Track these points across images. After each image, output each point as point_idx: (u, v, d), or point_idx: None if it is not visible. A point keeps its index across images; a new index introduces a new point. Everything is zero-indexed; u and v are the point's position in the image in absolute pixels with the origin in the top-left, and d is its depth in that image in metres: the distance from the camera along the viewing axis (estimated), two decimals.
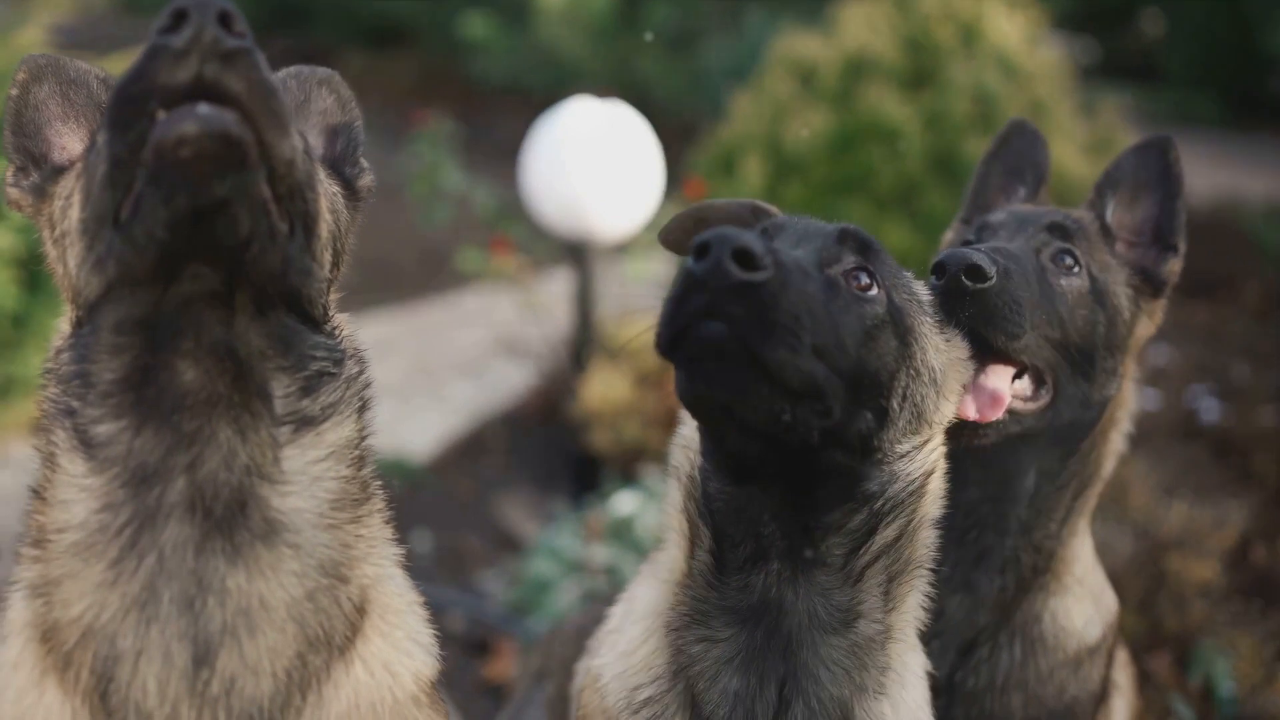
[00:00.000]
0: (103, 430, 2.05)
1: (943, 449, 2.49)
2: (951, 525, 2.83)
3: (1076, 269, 2.83)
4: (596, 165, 6.14)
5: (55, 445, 2.10)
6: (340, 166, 2.51)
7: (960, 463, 2.79)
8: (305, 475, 2.12)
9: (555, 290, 7.86)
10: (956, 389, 2.49)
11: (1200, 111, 19.09)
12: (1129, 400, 3.01)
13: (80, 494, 2.07)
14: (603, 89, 9.89)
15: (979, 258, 2.54)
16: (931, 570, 2.50)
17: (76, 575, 2.06)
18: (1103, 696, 3.04)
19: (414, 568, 5.87)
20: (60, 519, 2.08)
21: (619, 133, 6.26)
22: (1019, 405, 2.73)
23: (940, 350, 2.43)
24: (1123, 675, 3.21)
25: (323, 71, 2.60)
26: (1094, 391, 2.82)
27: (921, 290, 2.46)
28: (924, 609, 2.51)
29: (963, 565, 2.88)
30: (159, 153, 1.81)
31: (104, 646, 2.04)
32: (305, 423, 2.12)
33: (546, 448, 7.03)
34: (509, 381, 7.83)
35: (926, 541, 2.46)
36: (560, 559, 5.50)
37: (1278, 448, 6.39)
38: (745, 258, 2.00)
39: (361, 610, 2.21)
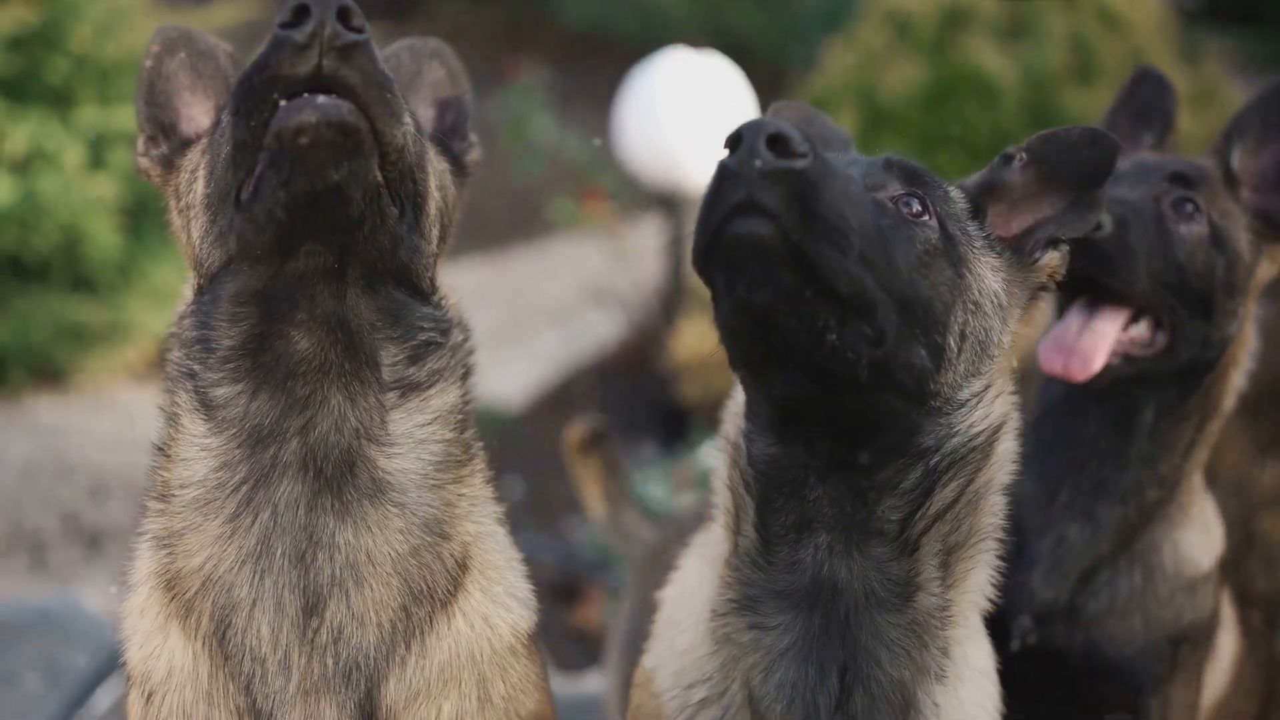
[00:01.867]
0: (221, 393, 2.17)
1: (1012, 400, 2.28)
2: (1070, 455, 2.90)
3: (1197, 215, 2.82)
4: (690, 116, 6.16)
5: (178, 405, 2.23)
6: (449, 139, 2.58)
7: (1077, 396, 2.87)
8: (411, 438, 2.22)
9: (645, 238, 7.88)
10: (1020, 311, 2.29)
11: None
12: (1250, 340, 3.02)
13: (200, 452, 2.19)
14: (695, 39, 9.85)
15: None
16: (1000, 542, 2.31)
17: (197, 528, 2.19)
18: (1213, 626, 3.08)
19: (506, 514, 6.01)
20: (183, 475, 2.21)
21: (713, 83, 6.26)
22: (1135, 351, 2.79)
23: (997, 270, 2.22)
24: (1228, 612, 3.23)
25: (434, 44, 2.65)
26: (1214, 332, 2.85)
27: (970, 221, 2.23)
28: (992, 587, 2.32)
29: (1082, 494, 2.92)
30: (279, 139, 1.93)
31: (222, 595, 2.17)
32: (411, 388, 2.22)
33: (635, 397, 7.09)
34: (598, 331, 7.89)
35: (992, 509, 2.26)
36: (649, 507, 5.58)
37: None
38: (782, 143, 1.84)
39: (463, 566, 2.29)
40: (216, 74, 2.49)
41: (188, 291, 2.30)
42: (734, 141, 1.88)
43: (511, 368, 7.61)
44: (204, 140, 2.30)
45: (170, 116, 2.47)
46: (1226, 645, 3.19)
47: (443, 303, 2.32)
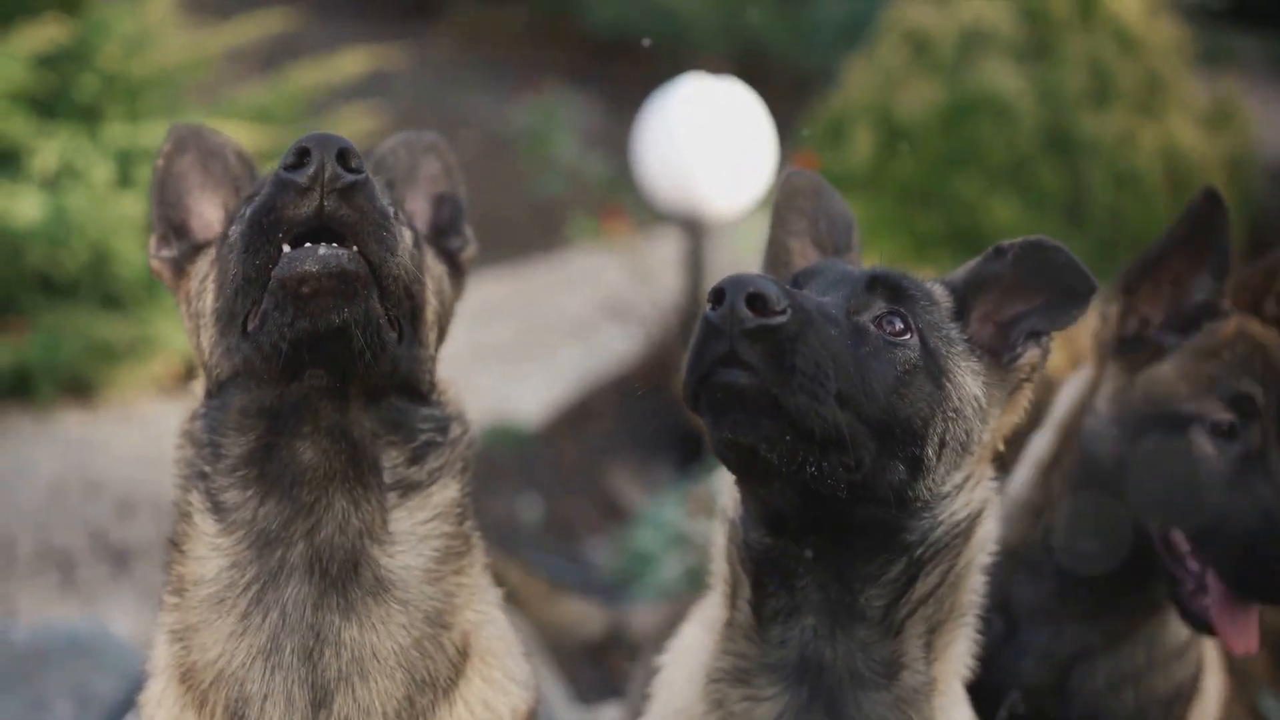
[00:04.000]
0: (230, 497, 2.31)
1: (992, 487, 2.43)
2: (1088, 579, 2.97)
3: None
4: (709, 144, 6.22)
5: (191, 504, 2.37)
6: (445, 236, 2.72)
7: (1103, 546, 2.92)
8: (413, 535, 2.36)
9: (664, 253, 7.94)
10: (1000, 409, 2.41)
11: None
12: None
13: (212, 551, 2.33)
14: (715, 45, 9.89)
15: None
16: (979, 617, 2.46)
17: (211, 625, 2.32)
18: (1199, 676, 3.17)
19: (523, 534, 6.10)
20: (196, 572, 2.35)
21: (732, 111, 6.33)
22: None
23: (977, 374, 2.34)
24: (1212, 655, 3.30)
25: (429, 137, 2.78)
26: None
27: (951, 326, 2.35)
28: (972, 657, 2.48)
29: (1091, 605, 2.99)
30: (283, 286, 2.07)
31: (235, 689, 2.30)
32: (412, 488, 2.37)
33: (654, 415, 7.16)
34: (616, 347, 7.96)
35: (973, 588, 2.41)
36: (664, 531, 5.66)
37: None
38: (760, 302, 1.99)
39: (464, 653, 2.43)
40: (225, 173, 2.61)
41: (199, 390, 2.42)
42: (717, 296, 2.02)
43: (530, 383, 7.68)
44: (213, 250, 2.42)
45: (181, 215, 2.59)
46: (1212, 687, 3.25)
47: (442, 398, 2.47)
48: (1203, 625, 2.84)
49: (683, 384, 2.13)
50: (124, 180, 6.74)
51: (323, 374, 2.19)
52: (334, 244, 2.08)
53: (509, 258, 9.68)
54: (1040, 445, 3.14)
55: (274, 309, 2.09)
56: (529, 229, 10.15)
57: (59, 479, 6.15)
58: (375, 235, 2.12)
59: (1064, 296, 2.37)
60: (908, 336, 2.23)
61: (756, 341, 1.99)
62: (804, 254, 2.72)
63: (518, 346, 8.24)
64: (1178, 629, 3.03)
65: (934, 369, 2.24)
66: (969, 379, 2.32)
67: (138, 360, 6.84)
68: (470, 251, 2.73)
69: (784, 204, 2.73)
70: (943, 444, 2.24)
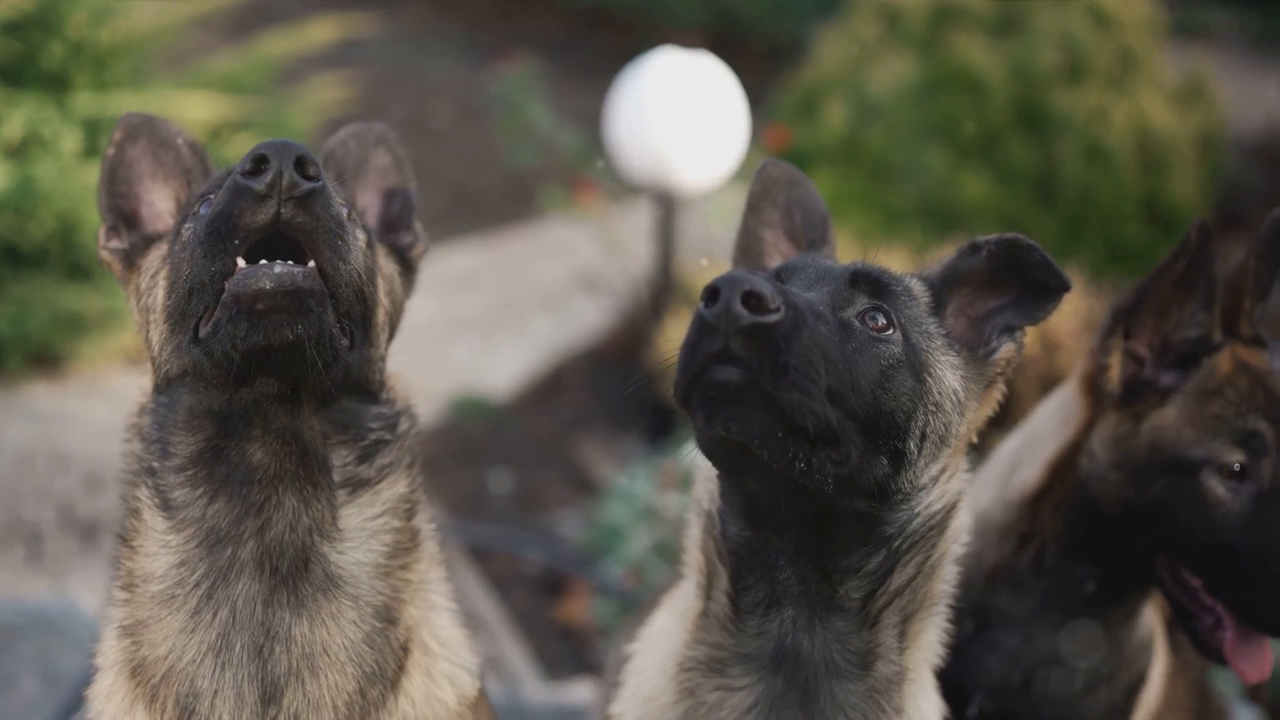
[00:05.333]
0: (179, 495, 2.31)
1: (966, 478, 2.45)
2: (1067, 600, 2.98)
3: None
4: (682, 118, 6.22)
5: (139, 500, 2.36)
6: (395, 231, 2.69)
7: (1076, 554, 2.94)
8: (363, 531, 2.36)
9: (636, 224, 7.93)
10: (977, 403, 2.43)
11: None
12: None
13: (161, 549, 2.33)
14: (689, 35, 9.86)
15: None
16: (951, 607, 2.49)
17: (161, 621, 2.32)
18: (1153, 659, 3.21)
19: (494, 508, 6.11)
20: (146, 568, 2.34)
21: (704, 85, 6.32)
22: None
23: (956, 368, 2.36)
24: (1157, 632, 3.31)
25: (379, 130, 2.75)
26: None
27: (930, 321, 2.37)
28: (942, 645, 2.51)
29: (1065, 616, 2.99)
30: (237, 300, 2.05)
31: (185, 685, 2.30)
32: (362, 485, 2.36)
33: (625, 387, 7.17)
34: (589, 318, 7.96)
35: (946, 578, 2.44)
36: (634, 505, 5.68)
37: None
38: (755, 300, 1.98)
39: (406, 648, 2.43)
40: (177, 163, 2.58)
41: (147, 384, 2.40)
42: (712, 294, 2.01)
43: (503, 354, 7.69)
44: (164, 245, 2.40)
45: (131, 204, 2.56)
46: (1157, 666, 3.27)
47: (391, 394, 2.46)
48: (1218, 658, 2.86)
49: (674, 383, 2.11)
50: (91, 149, 6.66)
51: (274, 382, 2.19)
52: (290, 261, 2.07)
53: (482, 228, 9.66)
54: (1024, 476, 3.07)
55: (227, 321, 2.07)
56: (502, 200, 10.14)
57: (26, 452, 6.12)
58: (330, 243, 2.11)
59: (1037, 293, 2.39)
60: (891, 332, 2.24)
61: (751, 339, 1.99)
62: (776, 245, 2.71)
63: (490, 318, 8.23)
64: (1144, 626, 3.06)
65: (916, 363, 2.26)
66: (948, 373, 2.33)
67: (105, 332, 6.79)
68: (421, 249, 2.70)
69: (759, 194, 2.71)
70: (924, 437, 2.26)
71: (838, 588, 2.31)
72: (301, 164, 2.05)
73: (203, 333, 2.15)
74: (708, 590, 2.43)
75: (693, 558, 2.50)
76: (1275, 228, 2.87)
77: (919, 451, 2.26)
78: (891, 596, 2.34)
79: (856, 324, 2.22)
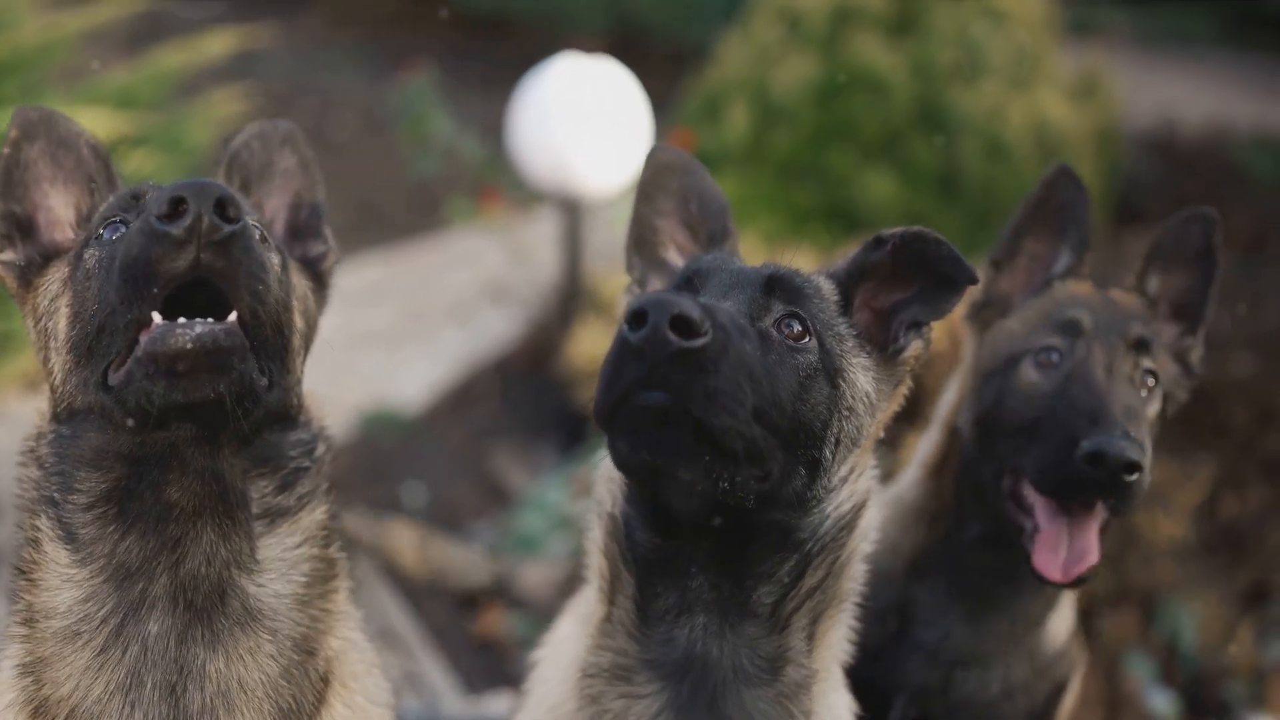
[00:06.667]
0: (88, 532, 2.17)
1: (874, 475, 2.44)
2: (972, 577, 2.97)
3: (1156, 390, 2.84)
4: (583, 124, 6.20)
5: (39, 530, 2.21)
6: (304, 238, 2.58)
7: (989, 534, 2.91)
8: (283, 562, 2.26)
9: (543, 233, 7.91)
10: (888, 403, 2.42)
11: (1196, 30, 18.94)
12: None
13: (65, 583, 2.18)
14: (594, 20, 9.85)
15: (1135, 453, 2.53)
16: (872, 606, 2.48)
17: (64, 659, 2.18)
18: (1076, 664, 3.21)
19: (408, 521, 5.99)
20: (47, 603, 2.20)
21: (605, 90, 6.31)
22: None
23: (867, 369, 2.34)
24: (1073, 632, 3.34)
25: (284, 128, 2.61)
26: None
27: (841, 321, 2.34)
28: (849, 642, 2.49)
29: (974, 604, 2.99)
30: (154, 360, 1.93)
31: None
32: (281, 515, 2.26)
33: (537, 397, 7.12)
34: (498, 328, 7.90)
35: (855, 575, 2.41)
36: (548, 514, 5.65)
37: (1249, 398, 6.47)
38: (683, 324, 1.93)
39: (325, 680, 2.33)
40: (78, 167, 2.42)
41: (45, 408, 2.26)
42: (638, 318, 1.94)
43: (412, 367, 7.60)
44: (65, 267, 2.25)
45: (28, 209, 2.38)
46: (1077, 676, 3.28)
47: (307, 415, 2.36)
48: (1043, 577, 2.80)
49: (595, 405, 2.06)
50: None
51: (190, 426, 2.07)
52: (209, 318, 1.96)
53: (388, 240, 9.57)
54: (926, 447, 3.14)
55: (143, 377, 1.96)
56: (407, 211, 10.04)
57: None
58: (251, 288, 2.00)
59: (941, 285, 2.36)
60: (807, 340, 2.21)
61: (679, 365, 1.94)
62: (672, 235, 2.64)
63: (398, 330, 8.14)
64: (1055, 635, 3.06)
65: (831, 369, 2.23)
66: (860, 375, 2.32)
67: (2, 356, 6.62)
68: (333, 260, 2.59)
69: (650, 181, 2.62)
70: (838, 443, 2.24)
71: (751, 594, 2.27)
72: (222, 206, 1.93)
73: (113, 380, 2.03)
74: (611, 595, 2.38)
75: (594, 561, 2.44)
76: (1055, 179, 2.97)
77: (834, 458, 2.25)
78: (803, 599, 2.31)
79: (774, 334, 2.19)
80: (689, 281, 2.31)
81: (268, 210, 2.58)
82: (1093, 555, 2.73)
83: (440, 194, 8.77)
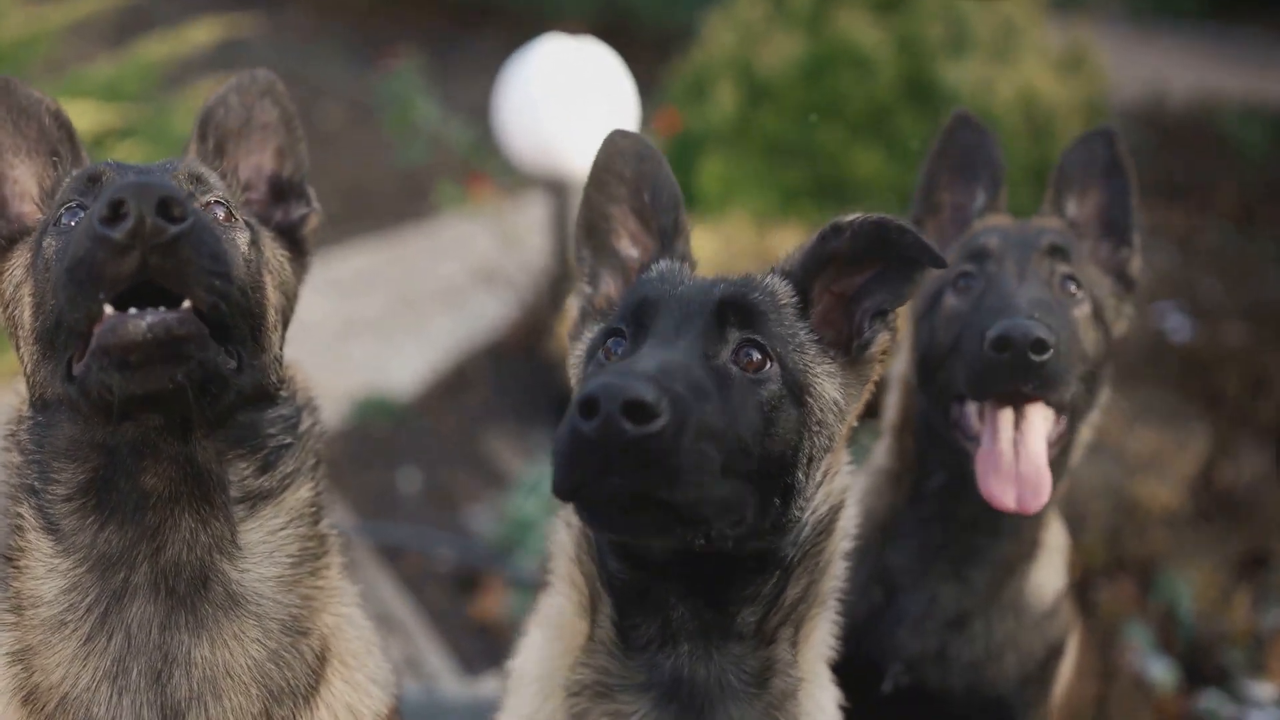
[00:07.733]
0: (68, 523, 2.16)
1: (849, 471, 2.37)
2: (948, 528, 2.95)
3: (1080, 294, 2.86)
4: (569, 104, 6.18)
5: (23, 518, 2.20)
6: (285, 198, 2.52)
7: (957, 480, 2.88)
8: (266, 544, 2.23)
9: (532, 217, 7.90)
10: (857, 402, 2.34)
11: (1180, 4, 18.95)
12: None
13: (49, 572, 2.18)
14: (576, 23, 9.82)
15: (1041, 330, 2.55)
16: (839, 600, 2.42)
17: (52, 647, 2.18)
18: (1070, 630, 3.21)
19: (404, 507, 6.00)
20: (34, 591, 2.19)
21: (591, 71, 6.29)
22: (1050, 442, 2.78)
23: (833, 375, 2.26)
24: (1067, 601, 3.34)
25: (264, 79, 2.51)
26: (1097, 399, 2.94)
27: (800, 327, 2.25)
28: (834, 637, 2.44)
29: (955, 560, 2.97)
30: (107, 353, 1.88)
31: (80, 713, 2.17)
32: (263, 498, 2.23)
33: (529, 380, 7.12)
34: (489, 312, 7.89)
35: (835, 575, 2.36)
36: (543, 497, 5.63)
37: (1243, 366, 6.50)
38: (637, 410, 1.81)
39: (323, 659, 2.32)
40: (41, 137, 2.35)
41: (23, 389, 2.23)
42: (589, 407, 1.83)
43: (405, 353, 7.60)
44: (28, 253, 2.22)
45: None
46: (1074, 641, 3.30)
47: (291, 387, 2.31)
48: (991, 502, 2.76)
49: (555, 482, 1.95)
50: None
51: (158, 416, 2.04)
52: (161, 307, 1.89)
53: (378, 228, 9.56)
54: (889, 412, 3.14)
55: (99, 370, 1.91)
56: (396, 199, 10.03)
57: None
58: (206, 283, 1.92)
59: (904, 266, 2.28)
60: (768, 367, 2.12)
61: (637, 453, 1.83)
62: (624, 223, 2.52)
63: (390, 318, 8.13)
64: (1041, 591, 3.06)
65: (796, 389, 2.16)
66: (827, 384, 2.24)
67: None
68: (315, 221, 2.51)
69: (603, 166, 2.48)
70: (810, 460, 2.18)
71: (735, 617, 2.22)
72: (165, 206, 1.84)
73: (76, 371, 1.99)
74: (592, 614, 2.32)
75: (563, 569, 2.38)
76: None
77: (807, 478, 2.19)
78: (787, 612, 2.27)
79: (733, 369, 2.10)
80: (637, 317, 2.20)
81: (247, 169, 2.50)
82: (1042, 472, 2.69)
83: (428, 181, 8.75)
